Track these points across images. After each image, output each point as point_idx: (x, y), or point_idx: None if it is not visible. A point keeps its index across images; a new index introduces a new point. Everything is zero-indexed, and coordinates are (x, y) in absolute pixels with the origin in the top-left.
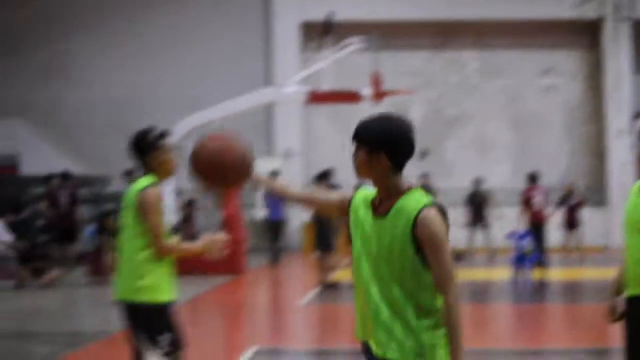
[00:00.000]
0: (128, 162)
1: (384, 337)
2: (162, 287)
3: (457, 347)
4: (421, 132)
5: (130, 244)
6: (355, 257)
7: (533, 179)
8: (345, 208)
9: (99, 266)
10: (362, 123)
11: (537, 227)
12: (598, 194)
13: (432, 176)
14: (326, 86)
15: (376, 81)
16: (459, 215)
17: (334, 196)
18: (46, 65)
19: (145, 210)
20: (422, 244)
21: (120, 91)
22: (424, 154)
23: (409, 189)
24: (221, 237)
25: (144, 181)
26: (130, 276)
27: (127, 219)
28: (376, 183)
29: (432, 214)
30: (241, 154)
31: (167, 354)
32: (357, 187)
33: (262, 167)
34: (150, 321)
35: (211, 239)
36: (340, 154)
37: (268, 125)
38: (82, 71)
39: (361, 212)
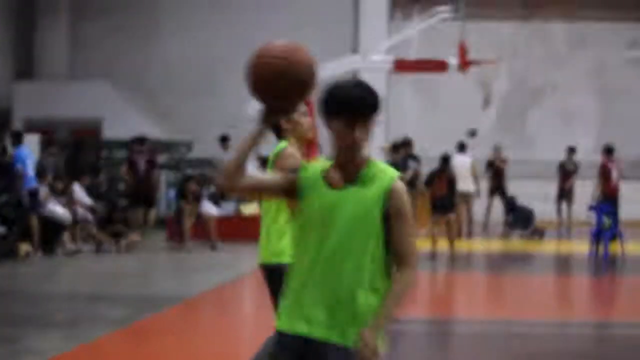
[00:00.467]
0: (213, 127)
1: (347, 321)
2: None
3: (388, 315)
4: (505, 102)
5: (271, 208)
6: (301, 237)
7: (608, 151)
8: (291, 190)
9: (177, 231)
10: (361, 91)
11: (612, 200)
12: None
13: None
14: (412, 55)
15: (462, 51)
16: (538, 187)
17: (279, 179)
18: (131, 28)
19: (273, 167)
20: (390, 215)
21: (206, 55)
22: (472, 134)
23: (368, 157)
24: None
25: (280, 145)
26: (273, 239)
27: None
28: (353, 151)
29: (403, 186)
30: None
31: None
32: (446, 158)
33: None
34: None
35: None
36: (421, 123)
37: None
38: (167, 34)
39: (315, 187)
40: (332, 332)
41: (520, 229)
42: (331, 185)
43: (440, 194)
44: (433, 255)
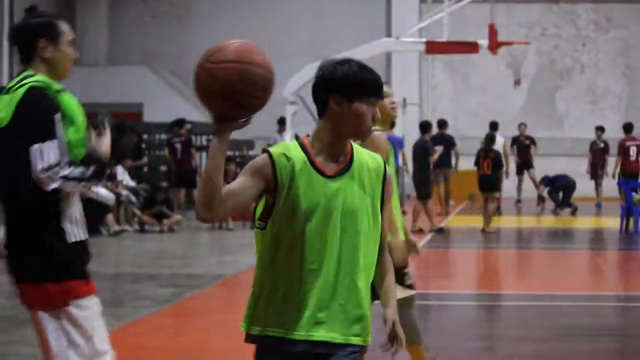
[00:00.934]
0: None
1: (356, 315)
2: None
3: (395, 295)
4: (534, 82)
5: None
6: (289, 232)
7: (628, 129)
8: (268, 187)
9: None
10: (374, 73)
11: (633, 177)
12: None
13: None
14: (444, 36)
15: (492, 32)
16: (567, 164)
17: (254, 181)
18: (171, 14)
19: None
20: (384, 200)
21: (245, 37)
22: (494, 127)
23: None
24: None
25: None
26: None
27: None
28: (346, 136)
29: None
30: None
31: (409, 286)
32: (491, 137)
33: None
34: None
35: None
36: (454, 104)
37: (386, 75)
38: (206, 20)
39: (305, 176)
40: (347, 331)
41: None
42: (324, 173)
43: (485, 173)
44: (485, 232)
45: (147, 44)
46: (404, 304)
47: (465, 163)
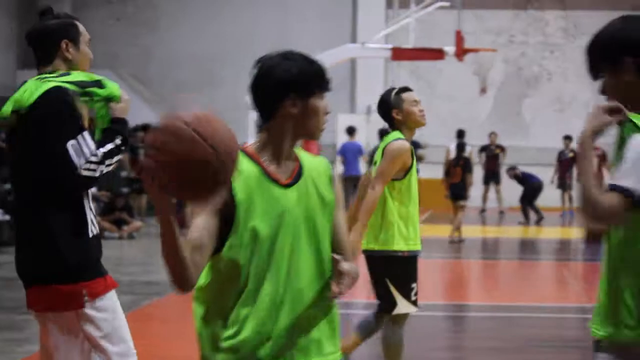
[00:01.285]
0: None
1: (325, 334)
2: (412, 236)
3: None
4: (501, 90)
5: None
6: (259, 254)
7: None
8: (225, 211)
9: (179, 217)
10: (318, 62)
11: None
12: None
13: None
14: (410, 43)
15: (459, 39)
16: (534, 174)
17: (210, 217)
18: (136, 17)
19: (384, 157)
20: (336, 205)
21: (205, 45)
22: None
23: None
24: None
25: (392, 136)
26: (378, 226)
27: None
28: (299, 138)
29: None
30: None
31: (414, 302)
32: (462, 146)
33: (344, 123)
34: (403, 270)
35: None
36: None
37: (351, 81)
38: (170, 25)
39: (261, 189)
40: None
41: (530, 203)
42: (279, 183)
43: (454, 182)
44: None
45: (112, 47)
46: (398, 320)
47: (431, 171)
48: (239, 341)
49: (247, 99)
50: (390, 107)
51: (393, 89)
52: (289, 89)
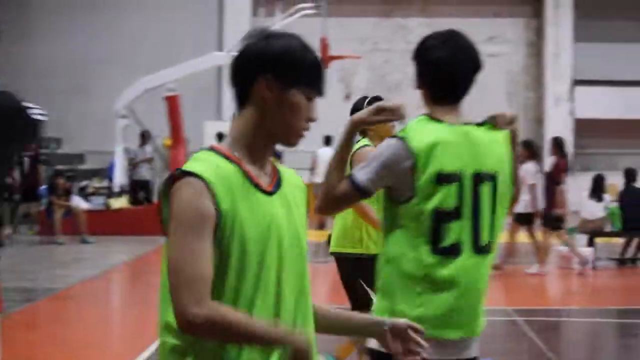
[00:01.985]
0: (84, 126)
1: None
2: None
3: None
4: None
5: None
6: (244, 273)
7: None
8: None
9: (48, 225)
10: (319, 59)
11: None
12: None
13: None
14: None
15: (324, 46)
16: None
17: (209, 249)
18: (10, 27)
19: (361, 161)
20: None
21: (76, 54)
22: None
23: None
24: None
25: (361, 142)
26: (348, 229)
27: None
28: (272, 135)
29: None
30: None
31: None
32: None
33: (211, 129)
34: (373, 271)
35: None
36: None
37: (217, 89)
38: (46, 34)
39: (246, 197)
40: None
41: None
42: (262, 189)
43: None
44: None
45: None
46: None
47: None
48: None
49: (117, 106)
50: None
51: (366, 97)
52: (261, 67)
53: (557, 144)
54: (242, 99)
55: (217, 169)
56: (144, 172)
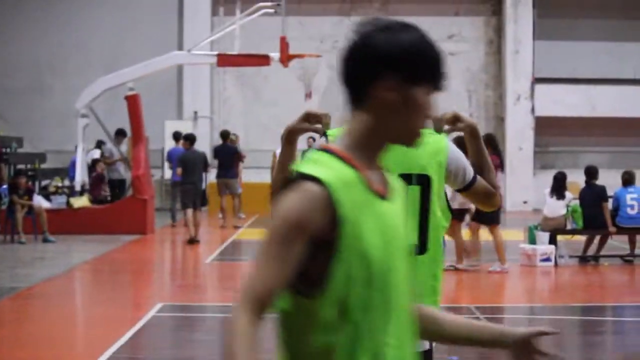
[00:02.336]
0: (44, 125)
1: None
2: None
3: None
4: (326, 95)
5: None
6: (377, 268)
7: None
8: (316, 235)
9: (9, 225)
10: (441, 52)
11: None
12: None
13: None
14: (235, 49)
15: (284, 45)
16: None
17: (294, 262)
18: None
19: None
20: None
21: (35, 54)
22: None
23: None
24: None
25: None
26: None
27: None
28: (389, 140)
29: None
30: None
31: None
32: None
33: (171, 128)
34: None
35: None
36: (245, 117)
37: (177, 88)
38: (2, 31)
39: (369, 206)
40: None
41: None
42: (381, 196)
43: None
44: None
45: None
46: None
47: (256, 175)
48: None
49: (78, 106)
50: None
51: None
52: (389, 64)
53: (489, 140)
54: (358, 98)
55: (339, 174)
56: (122, 171)
